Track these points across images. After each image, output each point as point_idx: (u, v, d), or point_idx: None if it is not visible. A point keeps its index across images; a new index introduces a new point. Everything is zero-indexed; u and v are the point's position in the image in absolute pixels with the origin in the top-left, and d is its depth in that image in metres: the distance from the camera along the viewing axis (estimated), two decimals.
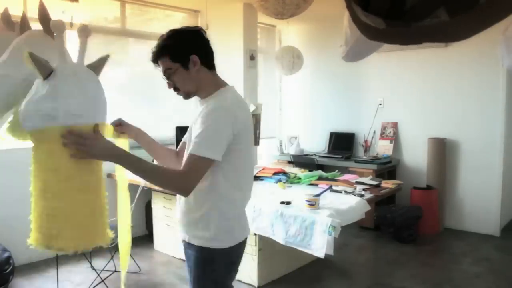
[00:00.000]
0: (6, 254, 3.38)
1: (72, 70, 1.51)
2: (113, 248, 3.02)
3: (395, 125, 5.21)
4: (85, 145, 1.46)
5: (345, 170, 4.88)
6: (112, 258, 3.58)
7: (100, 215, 1.58)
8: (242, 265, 1.85)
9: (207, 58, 1.71)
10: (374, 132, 5.30)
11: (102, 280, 3.36)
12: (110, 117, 1.72)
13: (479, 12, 1.08)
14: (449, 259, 4.10)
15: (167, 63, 1.66)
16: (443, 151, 4.77)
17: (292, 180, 3.94)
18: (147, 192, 4.18)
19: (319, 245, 2.85)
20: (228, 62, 4.68)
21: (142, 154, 1.75)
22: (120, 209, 1.88)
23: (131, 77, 4.64)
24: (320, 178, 4.00)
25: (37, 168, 1.50)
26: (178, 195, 1.76)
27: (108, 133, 1.70)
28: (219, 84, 1.74)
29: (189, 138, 1.74)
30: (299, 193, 3.37)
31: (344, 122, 5.57)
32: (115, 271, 3.62)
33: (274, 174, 4.01)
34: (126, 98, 4.47)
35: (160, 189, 3.83)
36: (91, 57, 1.63)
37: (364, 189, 3.61)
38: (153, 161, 1.97)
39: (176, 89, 1.72)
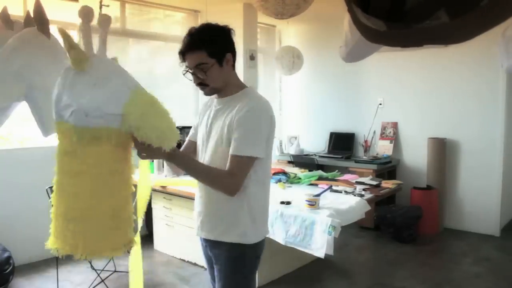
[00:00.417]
0: (6, 254, 3.38)
1: (108, 63, 1.44)
2: None
3: (395, 125, 5.21)
4: (150, 150, 1.49)
5: (345, 170, 4.88)
6: (112, 258, 3.59)
7: (124, 220, 1.49)
8: None
9: (235, 58, 1.77)
10: (374, 132, 5.30)
11: (102, 280, 3.36)
12: None
13: (479, 14, 1.07)
14: (449, 259, 4.10)
15: (203, 58, 1.65)
16: (443, 151, 4.77)
17: (292, 180, 3.94)
18: None
19: (319, 245, 2.85)
20: None
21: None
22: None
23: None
24: (320, 178, 4.00)
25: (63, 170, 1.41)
26: (197, 200, 1.85)
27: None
28: (241, 84, 1.80)
29: (205, 137, 1.79)
30: (299, 193, 3.37)
31: (344, 122, 5.57)
32: (115, 271, 3.62)
33: (274, 174, 4.00)
34: None
35: (160, 189, 3.85)
36: None
37: (364, 189, 3.60)
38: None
39: (202, 85, 1.72)
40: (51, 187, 1.57)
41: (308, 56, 5.37)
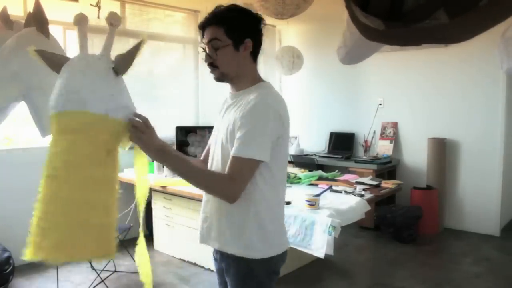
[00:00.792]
0: (6, 254, 3.38)
1: (77, 64, 1.38)
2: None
3: (395, 125, 5.21)
4: (145, 133, 1.36)
5: (345, 170, 4.88)
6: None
7: (107, 223, 1.36)
8: None
9: (257, 48, 1.58)
10: (374, 132, 5.30)
11: (102, 280, 3.36)
12: None
13: (478, 14, 1.07)
14: (449, 259, 4.10)
15: (219, 34, 1.50)
16: (443, 151, 4.77)
17: (292, 180, 3.94)
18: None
19: (319, 245, 2.85)
20: None
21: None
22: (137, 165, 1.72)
23: (131, 77, 4.62)
24: (320, 178, 4.00)
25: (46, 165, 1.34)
26: (203, 204, 1.66)
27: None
28: (258, 78, 1.61)
29: (215, 137, 1.63)
30: (299, 193, 3.38)
31: (344, 122, 5.57)
32: (115, 271, 3.62)
33: None
34: None
35: (160, 189, 3.85)
36: None
37: (364, 189, 3.60)
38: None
39: (212, 66, 1.55)
40: None
41: (308, 56, 5.36)
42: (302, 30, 5.90)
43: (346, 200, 3.28)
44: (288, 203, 3.18)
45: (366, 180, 3.96)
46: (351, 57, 2.03)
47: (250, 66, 1.59)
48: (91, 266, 3.49)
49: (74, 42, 1.69)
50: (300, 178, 3.97)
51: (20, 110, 2.14)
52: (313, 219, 2.92)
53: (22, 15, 3.55)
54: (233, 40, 1.51)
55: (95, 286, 3.37)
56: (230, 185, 1.44)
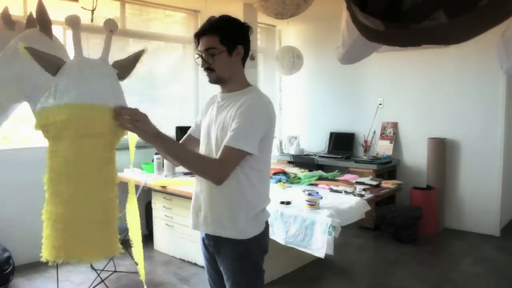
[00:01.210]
0: (6, 254, 3.38)
1: (76, 65, 1.42)
2: None
3: (395, 125, 5.21)
4: (139, 120, 1.50)
5: (345, 170, 4.88)
6: (112, 258, 3.59)
7: (110, 223, 1.46)
8: None
9: (246, 54, 1.80)
10: (374, 132, 5.30)
11: (102, 280, 3.37)
12: None
13: (478, 15, 1.07)
14: (449, 259, 4.10)
15: (214, 43, 1.71)
16: (443, 151, 4.77)
17: (292, 180, 3.95)
18: (147, 192, 4.18)
19: (319, 245, 2.85)
20: None
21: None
22: (131, 215, 1.83)
23: (131, 77, 4.64)
24: (320, 178, 4.00)
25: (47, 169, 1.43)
26: (196, 194, 1.85)
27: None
28: (247, 82, 1.83)
29: (207, 133, 1.81)
30: (299, 193, 3.38)
31: (344, 122, 5.57)
32: (115, 271, 3.62)
33: (274, 174, 4.00)
34: (126, 98, 4.47)
35: (160, 189, 3.85)
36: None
37: (364, 189, 3.60)
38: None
39: (209, 70, 1.75)
40: None
41: (308, 56, 5.37)
42: (302, 30, 5.91)
43: (346, 200, 3.28)
44: (288, 203, 3.18)
45: (366, 180, 3.96)
46: (349, 56, 2.03)
47: (241, 70, 1.81)
48: (91, 266, 3.50)
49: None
50: (300, 178, 3.97)
51: (17, 109, 2.13)
52: (313, 219, 2.92)
53: (22, 15, 3.55)
54: (227, 47, 1.72)
55: (95, 286, 3.37)
56: (220, 168, 1.64)
